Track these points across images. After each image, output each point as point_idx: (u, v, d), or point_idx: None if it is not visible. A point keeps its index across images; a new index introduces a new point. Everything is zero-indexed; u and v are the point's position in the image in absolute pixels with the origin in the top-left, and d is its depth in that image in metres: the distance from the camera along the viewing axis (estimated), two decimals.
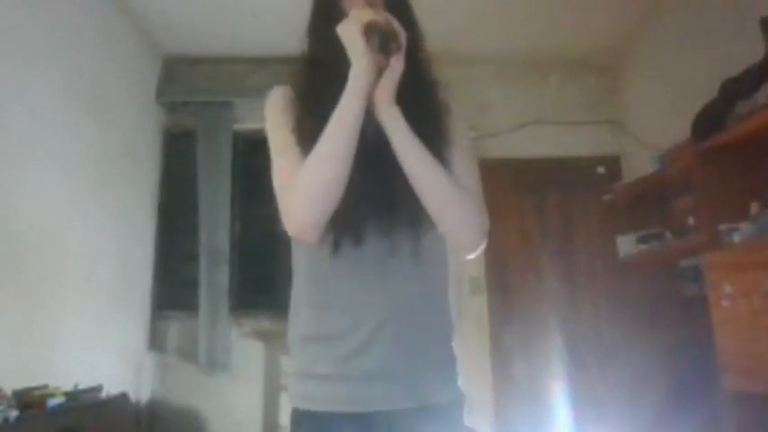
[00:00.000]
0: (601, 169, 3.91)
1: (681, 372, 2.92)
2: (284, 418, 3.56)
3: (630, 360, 3.17)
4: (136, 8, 3.39)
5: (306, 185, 0.93)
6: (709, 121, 2.49)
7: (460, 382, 1.07)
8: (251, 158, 4.01)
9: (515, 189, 3.92)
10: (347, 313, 0.99)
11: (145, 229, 3.68)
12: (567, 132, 3.95)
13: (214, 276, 3.61)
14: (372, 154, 0.96)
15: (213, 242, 3.66)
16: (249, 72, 4.01)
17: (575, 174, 3.93)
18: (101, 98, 3.11)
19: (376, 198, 0.98)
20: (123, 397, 2.84)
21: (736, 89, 2.36)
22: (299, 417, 1.02)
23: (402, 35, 0.96)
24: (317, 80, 1.02)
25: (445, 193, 0.96)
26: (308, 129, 0.97)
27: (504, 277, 3.76)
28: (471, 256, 1.04)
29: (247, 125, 3.96)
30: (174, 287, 3.79)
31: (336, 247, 0.98)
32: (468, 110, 3.96)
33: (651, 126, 3.61)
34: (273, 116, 1.05)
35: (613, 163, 3.95)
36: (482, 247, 1.02)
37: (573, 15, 3.53)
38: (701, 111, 2.58)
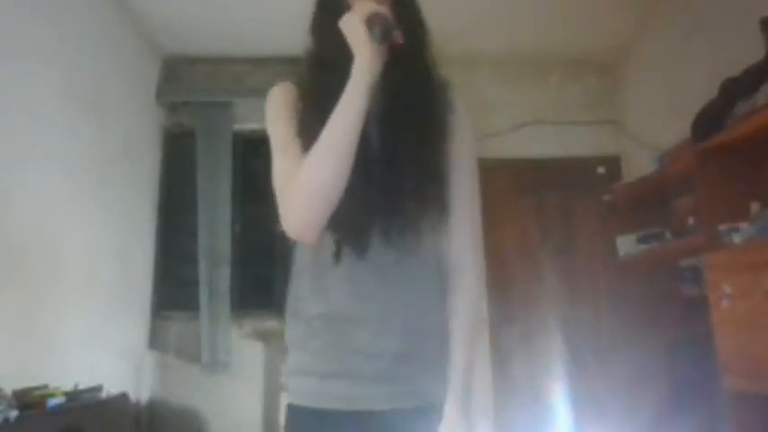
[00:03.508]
0: (601, 169, 3.91)
1: (681, 372, 2.91)
2: (284, 418, 3.56)
3: (630, 360, 3.17)
4: (136, 8, 3.39)
5: (304, 183, 0.91)
6: (709, 121, 2.49)
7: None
8: (251, 158, 4.02)
9: (515, 189, 3.91)
10: (349, 317, 0.99)
11: (145, 229, 3.68)
12: (567, 132, 3.95)
13: (215, 277, 3.61)
14: (376, 159, 0.96)
15: (213, 243, 3.66)
16: (249, 72, 4.01)
17: (575, 174, 3.93)
18: (101, 98, 3.11)
19: (380, 208, 0.96)
20: (123, 397, 2.84)
21: (736, 89, 2.36)
22: (295, 412, 1.02)
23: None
24: (321, 77, 1.00)
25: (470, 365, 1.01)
26: (311, 125, 0.94)
27: (504, 277, 3.75)
28: None
29: (247, 125, 3.96)
30: (174, 287, 3.79)
31: (338, 255, 0.97)
32: (468, 110, 3.97)
33: (651, 126, 3.61)
34: (275, 113, 1.02)
35: (613, 163, 3.94)
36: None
37: (573, 15, 3.53)
38: (700, 111, 2.58)
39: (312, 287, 1.02)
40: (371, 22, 0.92)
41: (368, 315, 0.98)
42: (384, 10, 0.94)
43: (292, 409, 1.03)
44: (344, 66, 0.93)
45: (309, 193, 0.91)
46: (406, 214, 0.97)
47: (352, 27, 0.92)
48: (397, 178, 0.96)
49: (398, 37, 0.95)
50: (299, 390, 1.02)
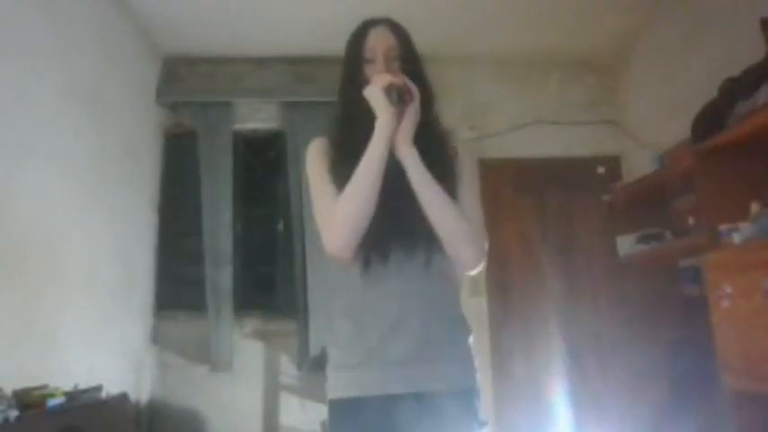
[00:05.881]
0: (601, 169, 3.91)
1: (681, 371, 2.92)
2: (284, 418, 3.57)
3: (631, 360, 3.17)
4: (136, 8, 3.39)
5: (341, 215, 1.15)
6: (709, 121, 2.49)
7: (478, 375, 1.23)
8: (251, 158, 4.02)
9: (515, 189, 3.91)
10: (373, 313, 1.18)
11: (145, 229, 3.67)
12: (567, 132, 3.95)
13: (216, 277, 3.61)
14: (394, 189, 1.17)
15: (215, 243, 3.65)
16: (249, 72, 4.01)
17: (575, 174, 3.93)
18: (101, 98, 3.10)
19: (397, 223, 1.19)
20: (123, 397, 2.84)
21: (736, 89, 2.36)
22: (334, 406, 1.19)
23: (415, 89, 1.19)
24: (350, 132, 1.26)
25: (450, 219, 1.17)
26: (343, 170, 1.19)
27: (504, 277, 3.75)
28: (472, 273, 1.22)
29: (247, 125, 3.97)
30: (174, 287, 3.78)
31: (367, 264, 1.18)
32: (468, 110, 3.98)
33: (651, 126, 3.61)
34: (314, 161, 1.28)
35: (613, 163, 3.95)
36: (481, 265, 1.21)
37: (573, 15, 3.53)
38: (700, 111, 2.58)
39: (346, 293, 1.24)
40: (389, 90, 1.17)
41: (389, 312, 1.17)
42: (398, 79, 1.19)
43: (332, 404, 1.20)
44: (368, 123, 1.19)
45: (345, 223, 1.15)
46: (416, 228, 1.18)
47: (375, 95, 1.19)
48: (409, 203, 1.18)
49: (409, 99, 1.18)
50: (335, 385, 1.20)
